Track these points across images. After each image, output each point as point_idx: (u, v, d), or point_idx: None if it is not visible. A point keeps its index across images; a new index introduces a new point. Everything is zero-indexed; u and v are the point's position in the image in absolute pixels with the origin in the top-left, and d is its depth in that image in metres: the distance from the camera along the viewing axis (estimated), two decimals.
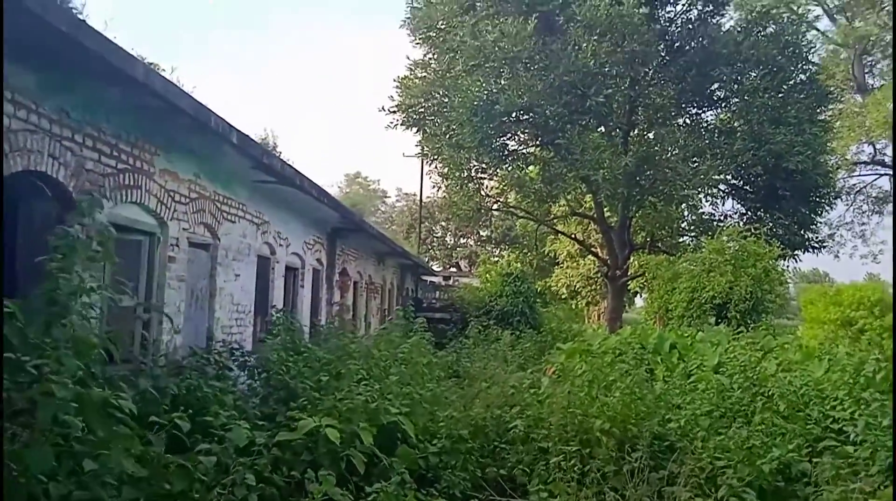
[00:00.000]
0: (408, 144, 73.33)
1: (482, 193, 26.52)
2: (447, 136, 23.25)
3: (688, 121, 27.16)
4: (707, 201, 27.51)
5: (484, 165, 24.53)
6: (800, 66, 25.58)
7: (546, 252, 40.63)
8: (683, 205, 26.69)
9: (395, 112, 25.73)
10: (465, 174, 24.65)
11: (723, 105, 26.98)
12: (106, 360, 4.95)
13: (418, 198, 45.41)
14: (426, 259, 45.39)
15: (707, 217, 28.16)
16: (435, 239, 53.78)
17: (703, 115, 27.73)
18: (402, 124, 25.93)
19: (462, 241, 54.39)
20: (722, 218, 28.08)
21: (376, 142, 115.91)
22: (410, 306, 23.49)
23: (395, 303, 26.49)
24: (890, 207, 36.32)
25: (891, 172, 35.87)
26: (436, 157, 26.02)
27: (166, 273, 8.30)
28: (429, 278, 36.08)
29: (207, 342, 9.63)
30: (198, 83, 76.91)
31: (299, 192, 11.32)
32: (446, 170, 25.62)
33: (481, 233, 48.77)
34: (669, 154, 23.44)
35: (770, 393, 8.72)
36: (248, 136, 8.58)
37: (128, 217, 7.58)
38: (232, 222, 10.28)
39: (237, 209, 10.47)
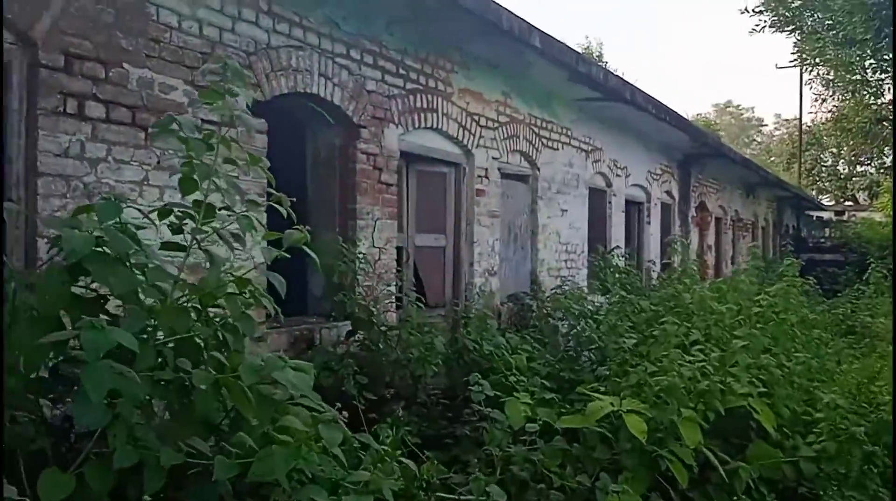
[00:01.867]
0: (780, 55, 62.62)
1: (882, 100, 20.66)
2: (831, 31, 18.32)
3: None
4: None
5: (883, 63, 18.89)
6: None
7: None
8: None
9: (761, 12, 21.15)
10: (858, 78, 19.36)
11: None
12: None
13: (798, 119, 38.99)
14: (812, 192, 39.09)
15: None
16: (823, 168, 45.90)
17: None
18: (770, 27, 21.24)
19: (859, 169, 45.54)
20: None
21: (743, 61, 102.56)
22: (789, 245, 20.04)
23: (772, 242, 23.06)
24: None
25: None
26: (817, 62, 20.87)
27: (475, 208, 7.43)
28: (815, 214, 31.47)
29: (531, 286, 8.62)
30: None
31: (633, 109, 9.57)
32: (831, 75, 20.54)
33: (885, 157, 39.95)
34: None
35: None
36: (554, 38, 7.06)
37: (424, 145, 6.76)
38: (554, 150, 9.01)
39: (559, 134, 9.16)
